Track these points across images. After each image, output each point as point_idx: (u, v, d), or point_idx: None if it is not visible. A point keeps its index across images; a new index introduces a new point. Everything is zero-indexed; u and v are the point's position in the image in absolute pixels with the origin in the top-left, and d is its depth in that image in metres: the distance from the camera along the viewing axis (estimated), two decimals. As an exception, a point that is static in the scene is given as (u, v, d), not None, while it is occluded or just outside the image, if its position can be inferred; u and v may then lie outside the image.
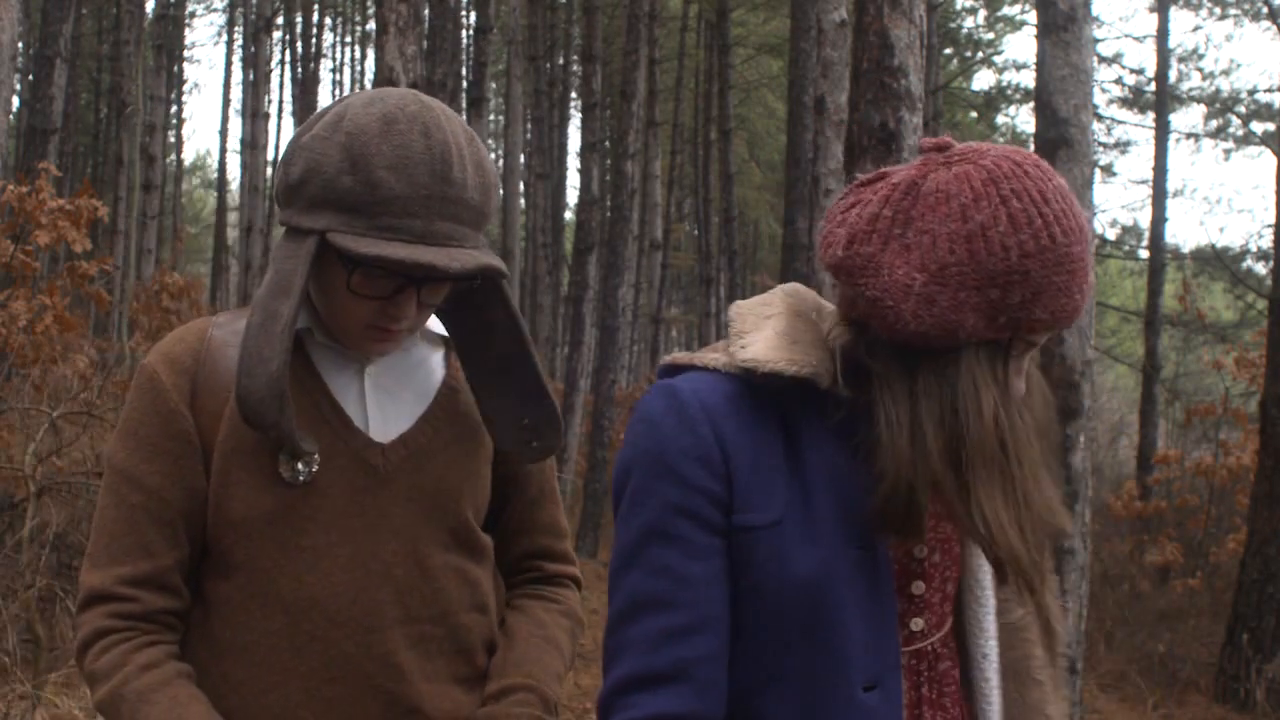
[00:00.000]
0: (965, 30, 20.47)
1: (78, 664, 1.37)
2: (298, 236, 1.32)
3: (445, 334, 1.51)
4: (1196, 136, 20.64)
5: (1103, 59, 17.54)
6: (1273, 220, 14.18)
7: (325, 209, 1.29)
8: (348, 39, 29.37)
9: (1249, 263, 16.66)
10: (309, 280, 1.35)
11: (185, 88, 31.04)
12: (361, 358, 1.44)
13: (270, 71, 21.15)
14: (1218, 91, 18.72)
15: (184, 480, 1.36)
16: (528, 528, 1.58)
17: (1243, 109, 18.06)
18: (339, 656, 1.37)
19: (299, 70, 25.27)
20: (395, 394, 1.46)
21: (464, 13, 19.33)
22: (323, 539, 1.37)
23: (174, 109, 26.32)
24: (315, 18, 25.77)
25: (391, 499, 1.41)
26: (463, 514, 1.46)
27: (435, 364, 1.51)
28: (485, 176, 1.34)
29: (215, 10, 28.78)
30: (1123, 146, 23.88)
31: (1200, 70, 26.48)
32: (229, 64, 26.81)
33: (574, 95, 21.90)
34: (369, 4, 25.19)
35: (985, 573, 1.27)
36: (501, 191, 21.24)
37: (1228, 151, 23.94)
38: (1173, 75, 16.55)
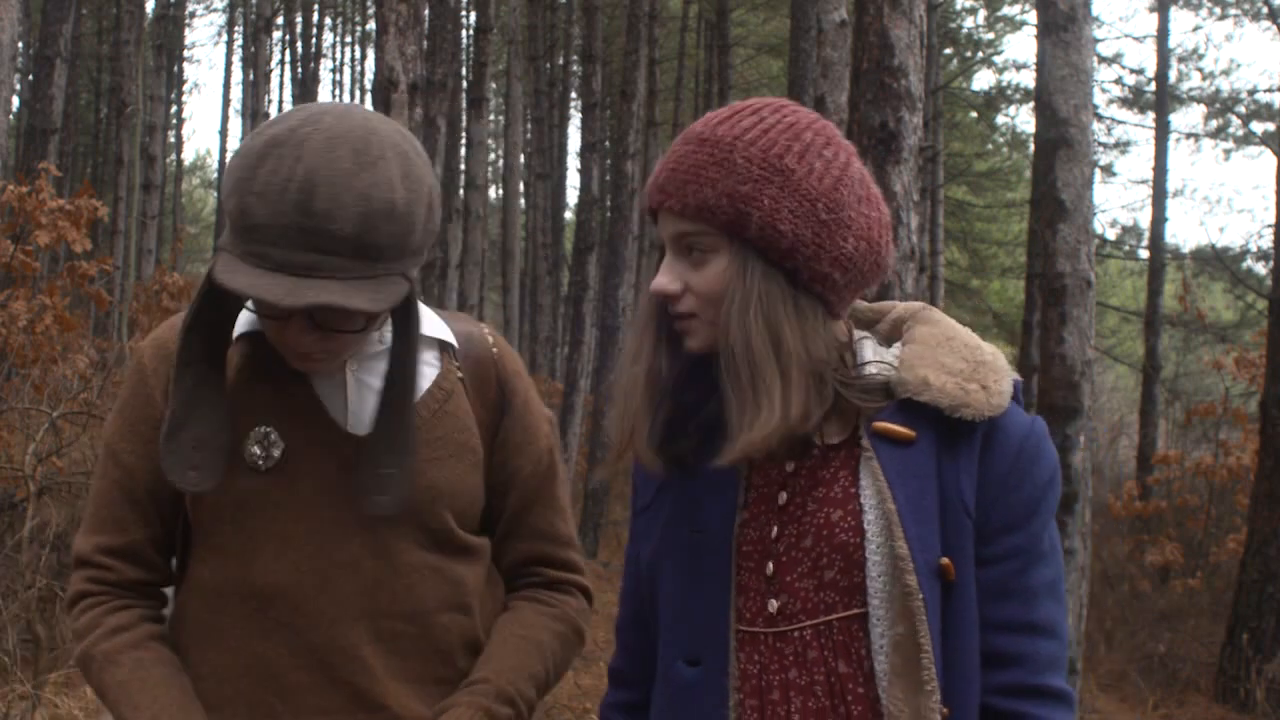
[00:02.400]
0: (965, 30, 20.48)
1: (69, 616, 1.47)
2: None
3: (444, 337, 1.50)
4: (1196, 136, 20.65)
5: (1103, 59, 17.54)
6: (1273, 220, 14.18)
7: (227, 226, 1.32)
8: (348, 39, 29.39)
9: (1249, 263, 16.67)
10: None
11: (185, 88, 31.02)
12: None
13: (270, 71, 21.13)
14: (1218, 91, 18.73)
15: (154, 461, 1.39)
16: (522, 533, 1.56)
17: (1243, 109, 18.07)
18: (304, 646, 1.38)
19: (299, 70, 25.29)
20: (379, 391, 1.44)
21: (464, 13, 19.33)
22: (291, 528, 1.38)
23: (174, 109, 26.33)
24: (315, 18, 25.78)
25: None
26: (439, 514, 1.44)
27: (426, 364, 1.49)
28: (370, 205, 1.25)
29: (215, 10, 28.79)
30: (1123, 146, 23.92)
31: (1200, 70, 26.45)
32: (229, 64, 26.87)
33: (574, 95, 21.90)
34: (369, 4, 25.18)
35: (880, 591, 1.20)
36: (504, 192, 21.24)
37: (1228, 151, 23.94)
38: (1173, 75, 16.56)
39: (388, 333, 1.43)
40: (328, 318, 1.32)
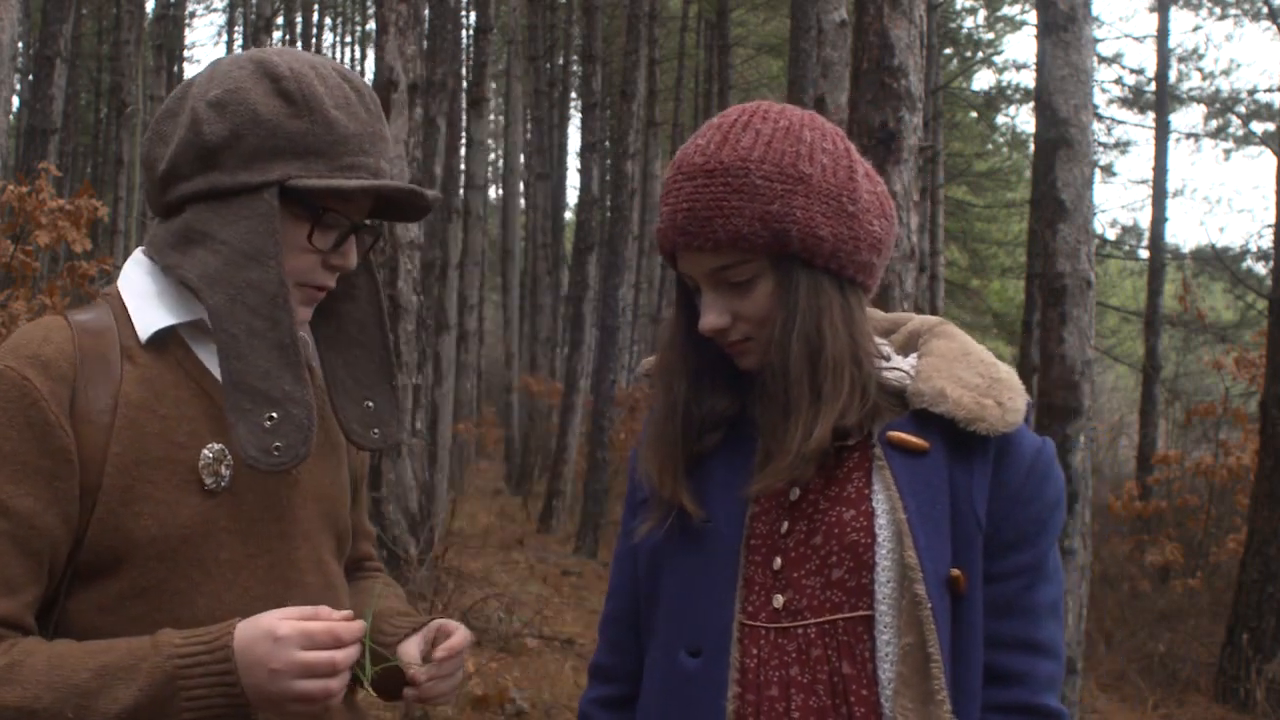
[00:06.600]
0: (965, 30, 20.48)
1: None
2: (242, 196, 1.22)
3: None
4: (1196, 136, 20.67)
5: (1103, 59, 17.54)
6: (1273, 220, 14.19)
7: (275, 158, 1.23)
8: (348, 39, 29.39)
9: (1249, 263, 16.69)
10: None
11: (185, 88, 30.95)
12: None
13: (270, 71, 21.13)
14: (1218, 91, 18.75)
15: (60, 504, 1.18)
16: (358, 534, 1.50)
17: (1243, 109, 18.08)
18: None
19: (299, 70, 25.24)
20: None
21: (464, 13, 19.33)
22: (240, 550, 1.25)
23: (174, 109, 26.30)
24: (315, 18, 25.79)
25: (301, 501, 1.32)
26: (346, 519, 1.40)
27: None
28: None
29: (215, 10, 28.82)
30: (1123, 146, 23.95)
31: (1200, 70, 26.50)
32: (229, 64, 26.80)
33: (574, 95, 21.90)
34: (369, 4, 25.19)
35: (888, 596, 1.19)
36: (504, 192, 21.25)
37: (1228, 151, 23.98)
38: (1173, 75, 16.57)
39: None
40: (361, 243, 1.34)
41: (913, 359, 1.30)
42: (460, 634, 1.32)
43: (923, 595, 1.16)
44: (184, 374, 1.26)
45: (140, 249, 1.33)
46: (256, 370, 1.20)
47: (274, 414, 1.20)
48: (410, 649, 1.31)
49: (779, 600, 1.23)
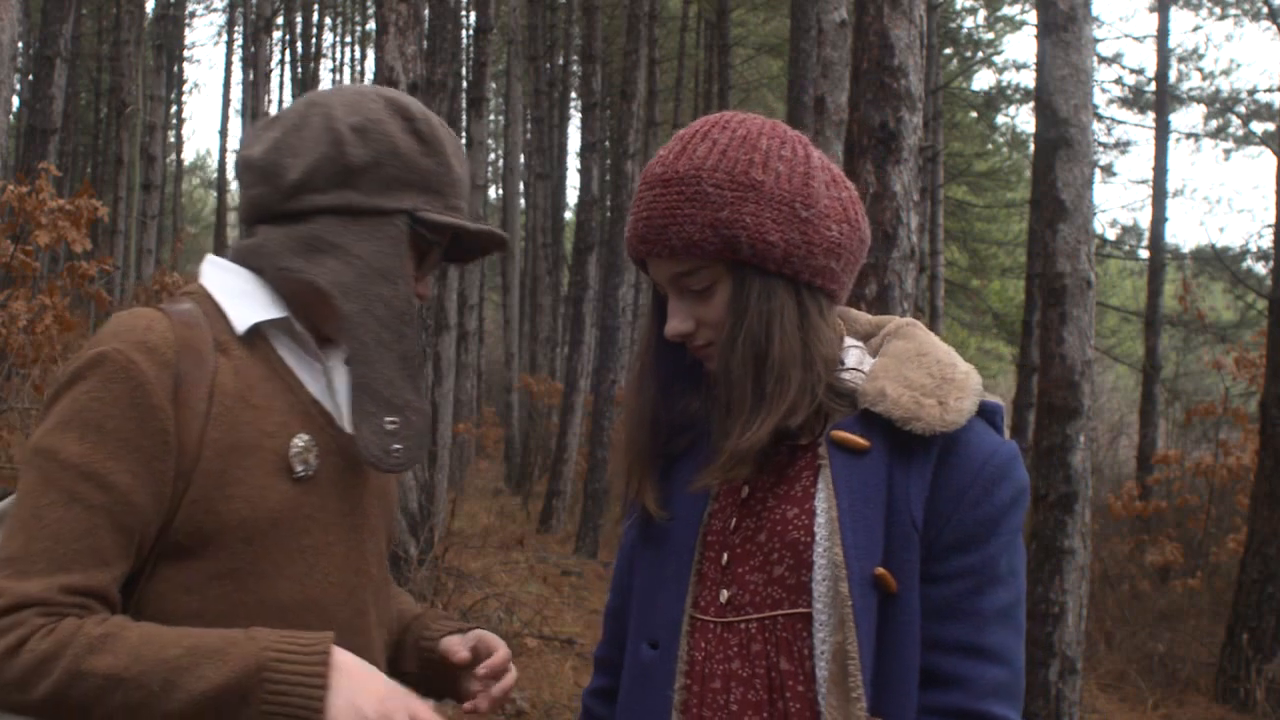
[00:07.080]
0: (965, 30, 20.47)
1: None
2: (373, 217, 1.34)
3: None
4: (1196, 136, 20.65)
5: (1103, 59, 17.55)
6: (1273, 220, 14.19)
7: (407, 189, 1.36)
8: (348, 39, 29.39)
9: (1249, 263, 16.69)
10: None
11: (185, 88, 31.06)
12: (321, 354, 1.40)
13: (270, 71, 21.11)
14: (1218, 91, 18.74)
15: (155, 483, 1.23)
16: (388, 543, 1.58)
17: (1243, 109, 18.07)
18: None
19: (299, 70, 25.29)
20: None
21: (464, 13, 19.34)
22: (321, 538, 1.32)
23: (174, 109, 26.33)
24: (315, 18, 25.78)
25: (370, 495, 1.41)
26: (395, 520, 1.50)
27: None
28: None
29: (215, 10, 28.81)
30: (1123, 146, 23.92)
31: (1200, 70, 26.51)
32: (229, 64, 26.82)
33: (574, 95, 21.90)
34: (369, 4, 25.20)
35: (824, 594, 1.21)
36: (504, 192, 21.29)
37: (1228, 151, 23.98)
38: (1173, 75, 16.56)
39: None
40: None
41: (874, 360, 1.32)
42: (502, 651, 1.43)
43: (845, 593, 1.18)
44: (270, 369, 1.34)
45: (213, 256, 1.42)
46: (382, 377, 1.32)
47: (395, 419, 1.33)
48: (453, 643, 1.45)
49: (724, 595, 1.26)
